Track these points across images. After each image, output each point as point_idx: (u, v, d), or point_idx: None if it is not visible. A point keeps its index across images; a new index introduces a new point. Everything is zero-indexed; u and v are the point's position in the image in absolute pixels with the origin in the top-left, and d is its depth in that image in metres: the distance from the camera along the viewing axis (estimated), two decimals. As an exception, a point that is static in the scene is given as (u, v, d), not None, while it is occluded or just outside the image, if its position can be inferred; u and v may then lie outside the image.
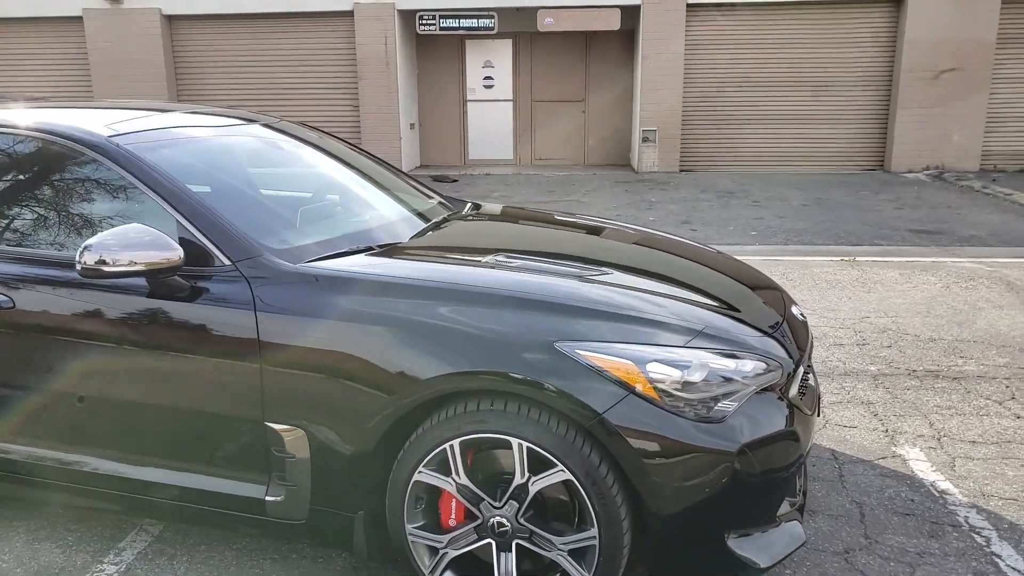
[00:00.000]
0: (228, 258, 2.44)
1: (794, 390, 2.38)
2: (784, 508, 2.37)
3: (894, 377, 4.30)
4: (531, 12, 13.66)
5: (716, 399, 2.18)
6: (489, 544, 2.28)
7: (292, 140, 3.62)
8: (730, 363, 2.24)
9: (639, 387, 2.12)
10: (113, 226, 2.43)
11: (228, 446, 2.46)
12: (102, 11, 13.83)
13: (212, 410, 2.43)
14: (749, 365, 2.28)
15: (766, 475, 2.25)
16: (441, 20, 13.76)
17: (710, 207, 10.41)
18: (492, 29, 13.85)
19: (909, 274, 6.53)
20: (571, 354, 2.15)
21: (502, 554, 2.28)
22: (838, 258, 7.20)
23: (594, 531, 2.17)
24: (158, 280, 2.42)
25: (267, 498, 2.44)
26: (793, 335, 2.61)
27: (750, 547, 2.25)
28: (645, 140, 13.91)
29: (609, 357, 2.15)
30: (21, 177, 2.80)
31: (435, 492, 2.33)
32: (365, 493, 2.37)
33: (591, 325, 2.24)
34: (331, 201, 3.31)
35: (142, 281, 2.42)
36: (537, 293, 2.32)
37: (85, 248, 2.31)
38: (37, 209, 2.77)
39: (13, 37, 14.50)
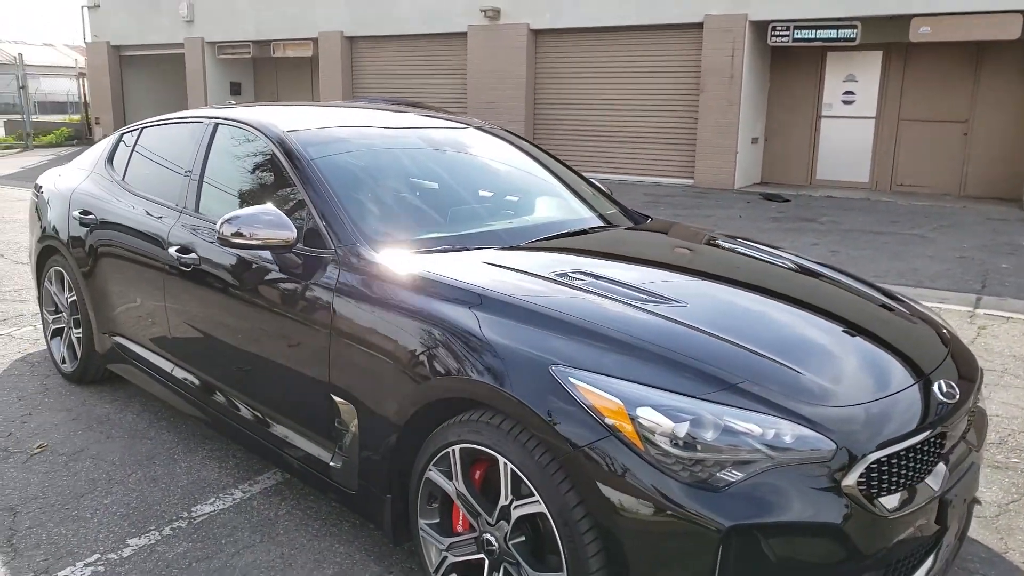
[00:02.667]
0: (333, 243, 2.71)
1: (851, 479, 1.90)
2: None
3: None
4: (903, 21, 12.18)
5: (723, 464, 1.85)
6: (483, 559, 2.23)
7: (500, 144, 3.84)
8: (756, 428, 1.88)
9: (621, 430, 1.89)
10: (268, 203, 2.87)
11: (312, 409, 2.73)
12: (482, 27, 15.61)
13: (309, 375, 2.71)
14: (788, 436, 1.88)
15: (785, 569, 1.85)
16: (796, 31, 12.95)
17: (1098, 260, 8.32)
18: (854, 40, 12.64)
19: None
20: (562, 379, 1.99)
21: (493, 573, 2.21)
22: None
23: (562, 575, 2.00)
24: (278, 254, 2.78)
25: (331, 463, 2.67)
26: (911, 413, 2.08)
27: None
28: (1038, 172, 11.58)
29: (598, 391, 1.95)
30: (228, 158, 3.41)
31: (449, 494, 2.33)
32: (395, 478, 2.46)
33: (600, 354, 2.04)
34: (502, 203, 3.43)
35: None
36: (559, 312, 2.19)
37: (226, 220, 2.74)
38: (232, 184, 3.36)
39: (414, 50, 17.08)
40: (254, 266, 2.91)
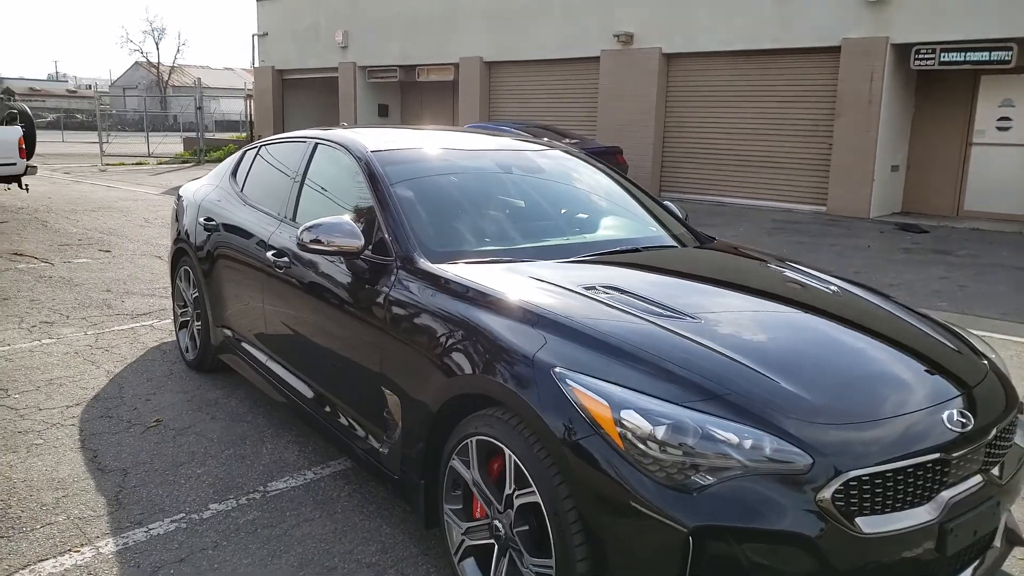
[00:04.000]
0: (394, 251, 3.01)
1: (826, 493, 1.95)
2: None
3: None
4: (1069, 41, 11.31)
5: (697, 468, 1.96)
6: (493, 544, 2.42)
7: (575, 167, 4.06)
8: (733, 437, 1.98)
9: (605, 429, 2.04)
10: (344, 214, 3.22)
11: (369, 400, 3.03)
12: (615, 52, 15.83)
13: (367, 368, 3.01)
14: (764, 447, 1.97)
15: (752, 571, 1.93)
16: (942, 54, 12.29)
17: None
18: (1008, 62, 11.85)
19: None
20: (560, 380, 2.17)
21: (501, 559, 2.39)
22: None
23: (551, 562, 2.16)
24: (349, 259, 3.12)
25: (380, 450, 2.96)
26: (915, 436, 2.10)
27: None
28: None
29: (590, 393, 2.10)
30: (322, 174, 3.81)
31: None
32: (428, 466, 2.70)
33: (601, 360, 2.20)
34: (562, 221, 3.62)
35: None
36: (570, 320, 2.36)
37: (306, 228, 3.10)
38: (324, 196, 3.75)
39: (548, 74, 17.53)
40: (331, 270, 3.26)
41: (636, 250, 3.31)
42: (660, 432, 1.99)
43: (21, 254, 8.41)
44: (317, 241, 3.07)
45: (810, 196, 14.09)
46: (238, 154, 4.86)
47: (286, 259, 3.58)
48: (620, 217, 3.72)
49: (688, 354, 2.23)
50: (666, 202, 4.12)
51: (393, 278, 2.92)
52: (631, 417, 2.03)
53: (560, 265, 2.98)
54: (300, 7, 22.68)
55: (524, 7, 17.27)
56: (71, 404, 4.23)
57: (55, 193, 14.16)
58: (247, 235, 4.03)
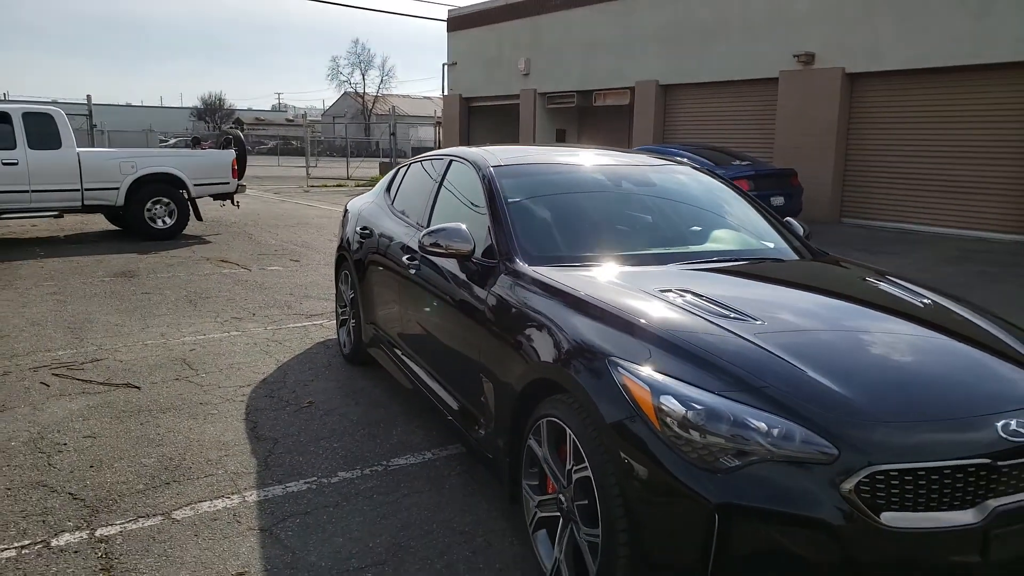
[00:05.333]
0: (498, 254, 3.36)
1: (850, 484, 2.02)
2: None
3: None
4: None
5: (726, 451, 2.11)
6: (558, 516, 2.67)
7: (693, 182, 4.23)
8: (763, 425, 2.11)
9: (646, 412, 2.23)
10: (460, 221, 3.62)
11: (473, 388, 3.38)
12: (794, 72, 15.38)
13: (471, 358, 3.37)
14: (793, 436, 2.08)
15: (780, 557, 2.05)
16: None
17: None
18: None
19: None
20: (612, 368, 2.38)
21: (565, 529, 2.63)
22: None
23: (597, 531, 2.37)
24: (461, 261, 3.51)
25: (480, 431, 3.29)
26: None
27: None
28: None
29: (635, 379, 2.31)
30: (454, 186, 4.23)
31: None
32: (513, 446, 2.99)
33: (654, 352, 2.39)
34: (675, 231, 3.79)
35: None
36: (633, 317, 2.57)
37: (427, 233, 3.53)
38: (453, 205, 4.16)
39: (724, 96, 17.32)
40: (448, 271, 3.67)
41: (734, 261, 3.43)
42: (692, 416, 2.16)
43: (227, 261, 9.69)
44: (436, 245, 3.48)
45: (1009, 223, 12.89)
46: (393, 171, 5.45)
47: (416, 261, 4.03)
48: (727, 230, 3.83)
49: (737, 350, 2.37)
50: (787, 219, 4.17)
51: (495, 278, 3.26)
52: (669, 402, 2.21)
53: (645, 271, 3.18)
54: (487, 38, 23.98)
55: (701, 29, 17.24)
56: (244, 385, 4.94)
57: (263, 210, 15.99)
58: (390, 241, 4.56)
